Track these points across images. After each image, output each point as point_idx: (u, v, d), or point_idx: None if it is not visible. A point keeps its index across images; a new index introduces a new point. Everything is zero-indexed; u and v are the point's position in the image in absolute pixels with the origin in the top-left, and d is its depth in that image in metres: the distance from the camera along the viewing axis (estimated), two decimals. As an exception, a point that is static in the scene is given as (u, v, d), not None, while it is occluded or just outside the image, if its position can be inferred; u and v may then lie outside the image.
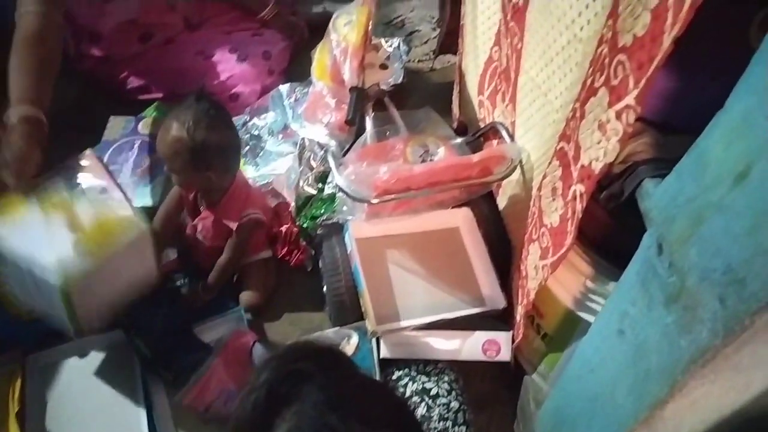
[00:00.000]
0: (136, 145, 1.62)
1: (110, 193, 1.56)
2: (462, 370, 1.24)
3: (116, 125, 1.68)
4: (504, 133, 1.18)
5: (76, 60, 1.83)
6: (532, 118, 1.05)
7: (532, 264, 1.02)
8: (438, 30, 2.10)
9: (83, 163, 1.61)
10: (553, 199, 0.90)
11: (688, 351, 0.58)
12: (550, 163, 0.95)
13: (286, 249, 1.50)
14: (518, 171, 1.16)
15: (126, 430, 1.19)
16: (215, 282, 1.37)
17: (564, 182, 0.86)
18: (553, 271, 0.91)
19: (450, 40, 1.73)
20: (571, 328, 1.01)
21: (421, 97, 1.85)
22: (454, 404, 1.16)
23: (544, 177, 0.97)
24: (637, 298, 0.71)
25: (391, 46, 1.96)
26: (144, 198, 1.53)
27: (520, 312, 1.12)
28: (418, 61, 2.02)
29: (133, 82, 1.80)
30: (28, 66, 1.30)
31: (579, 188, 0.80)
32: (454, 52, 1.87)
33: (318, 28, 2.03)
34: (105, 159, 1.61)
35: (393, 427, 0.66)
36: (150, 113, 1.68)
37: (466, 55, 1.42)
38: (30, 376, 1.27)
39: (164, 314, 1.28)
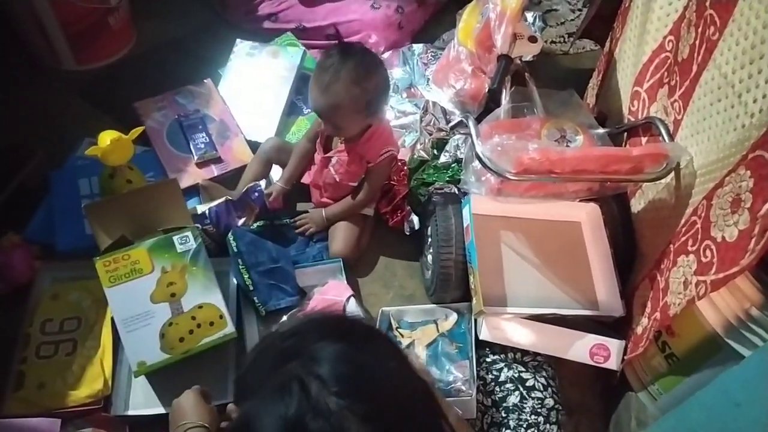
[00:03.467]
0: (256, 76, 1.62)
1: (227, 123, 1.58)
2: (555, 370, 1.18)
3: (242, 49, 1.67)
4: (662, 131, 1.09)
5: None
6: (710, 118, 0.95)
7: (679, 277, 0.93)
8: (578, 13, 1.98)
9: (202, 90, 1.64)
10: (733, 212, 0.81)
11: None
12: (731, 171, 0.85)
13: (390, 207, 1.46)
14: (671, 174, 1.07)
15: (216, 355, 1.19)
16: (338, 216, 1.36)
17: (757, 195, 0.76)
18: (713, 290, 0.83)
19: (595, 25, 1.62)
20: (709, 353, 0.92)
21: (547, 79, 1.75)
22: (549, 401, 1.11)
23: (719, 186, 0.87)
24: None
25: (526, 20, 1.87)
26: (259, 132, 1.53)
27: (644, 325, 1.04)
28: (551, 42, 1.91)
29: (265, 8, 1.78)
30: None
31: (782, 204, 0.71)
32: (595, 39, 1.76)
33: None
34: (230, 85, 1.62)
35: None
36: (280, 42, 1.66)
37: (625, 41, 1.31)
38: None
39: (270, 251, 1.27)
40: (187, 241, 1.18)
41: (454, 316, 1.22)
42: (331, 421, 0.54)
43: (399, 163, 1.44)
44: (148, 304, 1.12)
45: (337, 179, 1.34)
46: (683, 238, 0.95)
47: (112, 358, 1.18)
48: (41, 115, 1.60)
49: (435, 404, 0.66)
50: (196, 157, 1.50)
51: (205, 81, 1.64)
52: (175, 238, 1.18)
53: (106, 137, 1.24)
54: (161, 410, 1.13)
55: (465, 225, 1.21)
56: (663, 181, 1.08)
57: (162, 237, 1.18)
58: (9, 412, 1.10)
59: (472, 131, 1.09)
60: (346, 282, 1.30)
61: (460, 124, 1.34)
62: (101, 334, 1.21)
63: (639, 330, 1.06)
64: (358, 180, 1.34)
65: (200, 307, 1.15)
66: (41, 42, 1.67)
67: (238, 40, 1.70)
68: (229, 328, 1.15)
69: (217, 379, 1.15)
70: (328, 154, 1.34)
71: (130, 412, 1.13)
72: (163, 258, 1.16)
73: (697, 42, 0.98)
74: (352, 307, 1.26)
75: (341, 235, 1.37)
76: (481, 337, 1.14)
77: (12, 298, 1.25)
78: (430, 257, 1.31)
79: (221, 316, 1.15)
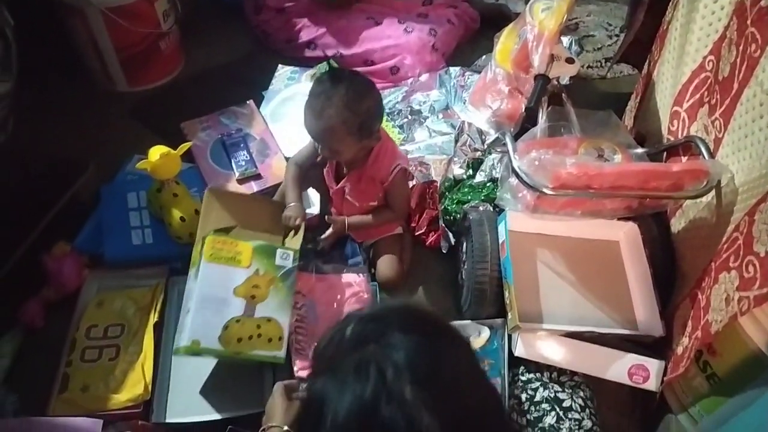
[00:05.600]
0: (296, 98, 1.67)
1: (267, 142, 1.64)
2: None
3: (283, 74, 1.73)
4: (703, 149, 1.08)
5: (254, 11, 1.91)
6: (752, 135, 0.94)
7: (721, 294, 0.91)
8: (616, 38, 2.00)
9: (244, 111, 1.70)
10: (777, 226, 0.80)
11: None
12: (774, 186, 0.84)
13: (424, 229, 1.47)
14: (712, 192, 1.06)
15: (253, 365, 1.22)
16: (361, 226, 1.37)
17: (801, 208, 0.76)
18: (756, 305, 0.81)
19: (632, 50, 1.63)
20: (754, 373, 0.90)
21: (584, 103, 1.75)
22: (587, 423, 1.09)
23: (761, 201, 0.86)
24: None
25: (563, 44, 1.89)
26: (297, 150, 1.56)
27: (685, 344, 1.02)
28: (588, 66, 1.93)
29: (303, 36, 1.85)
30: None
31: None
32: (633, 63, 1.77)
33: (490, 19, 2.02)
34: (271, 106, 1.68)
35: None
36: (321, 68, 1.72)
37: (663, 63, 1.32)
38: (170, 295, 1.33)
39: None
40: (287, 258, 1.21)
41: (486, 333, 1.22)
42: (403, 409, 0.55)
43: (427, 188, 1.46)
44: (230, 293, 1.14)
45: (357, 205, 1.36)
46: (725, 255, 0.94)
47: (153, 365, 1.21)
48: (95, 132, 1.69)
49: (503, 413, 0.66)
50: (237, 174, 1.55)
51: (247, 102, 1.70)
52: (279, 250, 1.21)
53: (156, 152, 1.30)
54: (199, 418, 1.15)
55: (500, 241, 1.22)
56: (703, 200, 1.07)
57: (269, 244, 1.21)
58: (53, 413, 1.13)
59: (509, 146, 1.11)
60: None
61: (496, 141, 1.35)
62: (143, 341, 1.24)
63: (679, 350, 1.04)
64: (377, 198, 1.35)
65: (269, 320, 1.16)
66: (97, 66, 1.77)
67: (279, 66, 1.77)
68: (281, 354, 1.16)
69: (253, 389, 1.18)
70: (340, 185, 1.35)
71: (169, 420, 1.16)
72: (261, 261, 1.19)
73: (738, 60, 0.99)
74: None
75: (385, 262, 1.38)
76: (516, 354, 1.14)
77: (61, 305, 1.31)
78: (464, 273, 1.31)
79: (280, 338, 1.16)
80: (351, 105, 1.16)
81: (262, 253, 1.19)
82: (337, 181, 1.36)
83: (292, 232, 1.30)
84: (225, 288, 1.14)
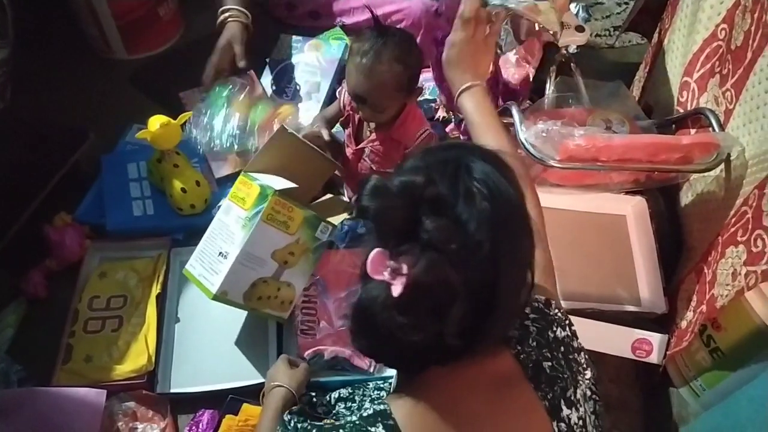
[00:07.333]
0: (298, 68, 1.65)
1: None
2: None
3: (286, 42, 1.70)
4: (713, 121, 1.06)
5: None
6: (765, 107, 0.92)
7: (728, 268, 0.91)
8: (625, 6, 1.95)
9: (245, 81, 1.66)
10: (788, 200, 0.79)
11: None
12: (786, 159, 0.82)
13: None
14: (721, 165, 1.04)
15: (256, 336, 1.23)
16: None
17: (814, 182, 0.74)
18: (764, 280, 0.81)
19: (642, 18, 1.59)
20: (758, 348, 0.90)
21: (592, 73, 1.71)
22: (586, 391, 1.09)
23: (773, 174, 0.85)
24: None
25: (571, 11, 1.85)
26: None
27: (689, 319, 1.02)
28: (596, 35, 1.88)
29: (306, 5, 1.81)
30: None
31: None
32: (642, 32, 1.73)
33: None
34: (272, 76, 1.64)
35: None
36: (326, 37, 1.69)
37: (674, 32, 1.28)
38: (172, 266, 1.33)
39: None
40: (324, 233, 1.22)
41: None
42: (460, 199, 0.55)
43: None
44: (268, 254, 1.15)
45: (374, 168, 1.33)
46: (732, 229, 0.93)
47: (156, 336, 1.21)
48: (94, 101, 1.66)
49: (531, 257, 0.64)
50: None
51: (247, 72, 1.67)
52: (322, 223, 1.21)
53: (156, 122, 1.28)
54: (202, 388, 1.16)
55: (505, 215, 1.20)
56: (712, 173, 1.05)
57: (316, 215, 1.21)
58: (57, 383, 1.14)
59: (516, 118, 1.09)
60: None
61: (502, 112, 1.33)
62: (146, 312, 1.25)
63: (683, 324, 1.04)
64: (396, 166, 1.33)
65: (288, 285, 1.19)
66: (95, 33, 1.74)
67: (282, 35, 1.73)
68: (286, 315, 1.21)
69: (255, 361, 1.20)
70: (360, 146, 1.32)
71: (173, 390, 1.17)
72: (305, 231, 1.19)
73: (753, 28, 0.96)
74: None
75: None
76: (517, 327, 1.13)
77: (64, 275, 1.31)
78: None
79: (290, 303, 1.21)
80: (402, 59, 1.15)
81: (308, 223, 1.19)
82: (357, 143, 1.34)
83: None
84: (267, 250, 1.15)
